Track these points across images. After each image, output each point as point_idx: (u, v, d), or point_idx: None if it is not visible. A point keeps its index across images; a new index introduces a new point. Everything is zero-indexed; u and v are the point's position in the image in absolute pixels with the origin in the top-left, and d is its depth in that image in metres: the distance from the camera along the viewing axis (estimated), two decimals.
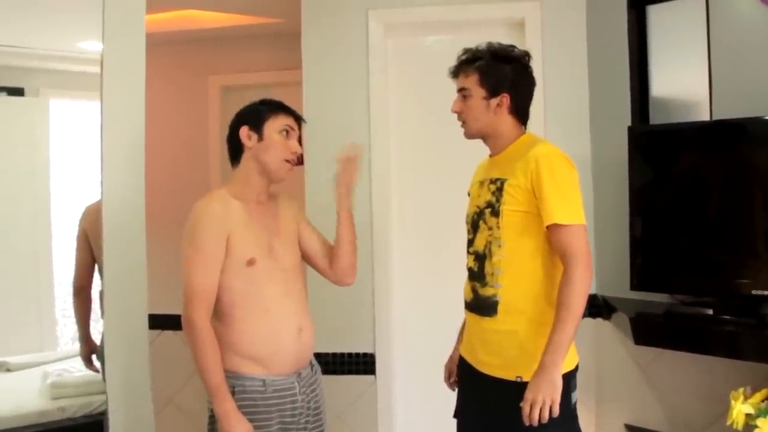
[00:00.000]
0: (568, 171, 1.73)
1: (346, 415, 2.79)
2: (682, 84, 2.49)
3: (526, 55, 1.86)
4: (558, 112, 2.67)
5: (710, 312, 2.16)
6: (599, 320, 2.63)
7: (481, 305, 1.81)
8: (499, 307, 1.77)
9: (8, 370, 2.36)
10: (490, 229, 1.79)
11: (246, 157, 1.87)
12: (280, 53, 3.39)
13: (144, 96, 2.21)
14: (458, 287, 1.97)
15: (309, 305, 1.95)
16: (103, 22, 2.14)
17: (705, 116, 2.34)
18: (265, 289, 1.79)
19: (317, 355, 2.03)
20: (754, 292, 2.07)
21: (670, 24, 2.50)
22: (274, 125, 1.86)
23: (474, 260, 1.85)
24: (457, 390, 1.99)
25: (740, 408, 1.85)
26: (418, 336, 2.82)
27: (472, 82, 1.83)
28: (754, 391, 1.89)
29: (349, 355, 2.78)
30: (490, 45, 1.85)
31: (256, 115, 1.88)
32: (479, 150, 1.98)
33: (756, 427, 1.81)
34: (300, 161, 2.01)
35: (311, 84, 2.82)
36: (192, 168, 3.59)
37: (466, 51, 1.87)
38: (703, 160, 2.29)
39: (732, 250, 2.19)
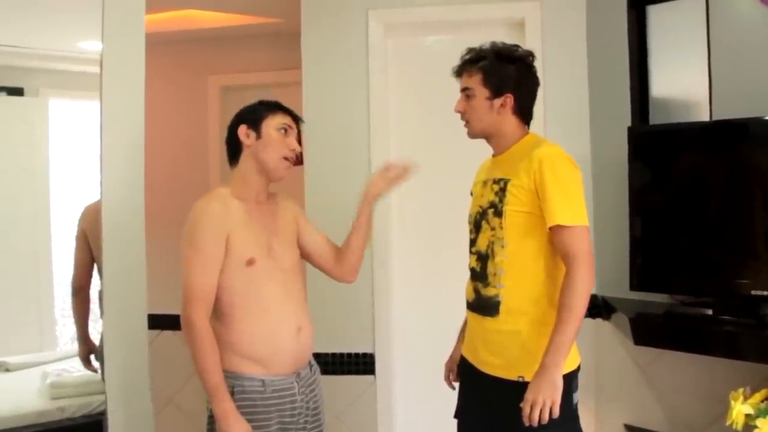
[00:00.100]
0: (572, 172, 1.73)
1: (345, 416, 2.79)
2: (682, 84, 2.48)
3: (529, 55, 1.85)
4: (558, 112, 2.67)
5: (710, 312, 2.16)
6: (599, 320, 2.63)
7: (483, 305, 1.81)
8: (501, 308, 1.76)
9: (7, 370, 2.36)
10: (492, 229, 1.79)
11: (245, 156, 1.87)
12: (279, 53, 3.39)
13: (143, 96, 2.21)
14: (458, 287, 1.97)
15: (309, 305, 1.95)
16: (103, 22, 2.14)
17: (705, 116, 2.34)
18: (264, 289, 1.79)
19: (317, 355, 2.03)
20: (753, 292, 2.07)
21: (670, 24, 2.49)
22: (272, 123, 1.86)
23: (476, 260, 1.85)
24: (457, 390, 1.99)
25: (740, 408, 1.85)
26: (418, 336, 2.82)
27: (475, 81, 1.82)
28: (754, 391, 1.89)
29: (349, 355, 2.78)
30: (493, 45, 1.84)
31: (254, 113, 1.88)
32: (479, 150, 1.98)
33: (755, 427, 1.81)
34: (299, 161, 2.01)
35: (311, 84, 2.82)
36: (191, 168, 3.59)
37: (470, 50, 1.86)
38: (703, 160, 2.28)
39: (731, 251, 2.19)
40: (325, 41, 2.82)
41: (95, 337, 2.37)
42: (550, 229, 1.70)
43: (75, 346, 2.43)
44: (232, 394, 1.72)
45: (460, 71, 1.87)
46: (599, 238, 2.54)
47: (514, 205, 1.75)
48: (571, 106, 2.68)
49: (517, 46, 1.87)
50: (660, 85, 2.54)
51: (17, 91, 2.39)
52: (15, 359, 2.37)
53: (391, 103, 2.83)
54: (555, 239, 1.71)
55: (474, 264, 1.86)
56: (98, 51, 2.15)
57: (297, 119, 1.93)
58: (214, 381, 1.69)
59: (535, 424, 1.58)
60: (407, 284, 2.85)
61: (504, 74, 1.80)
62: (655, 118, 2.53)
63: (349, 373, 2.78)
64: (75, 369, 2.39)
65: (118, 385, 2.14)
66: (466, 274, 1.91)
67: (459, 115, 1.89)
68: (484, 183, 1.88)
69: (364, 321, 2.78)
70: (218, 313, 1.77)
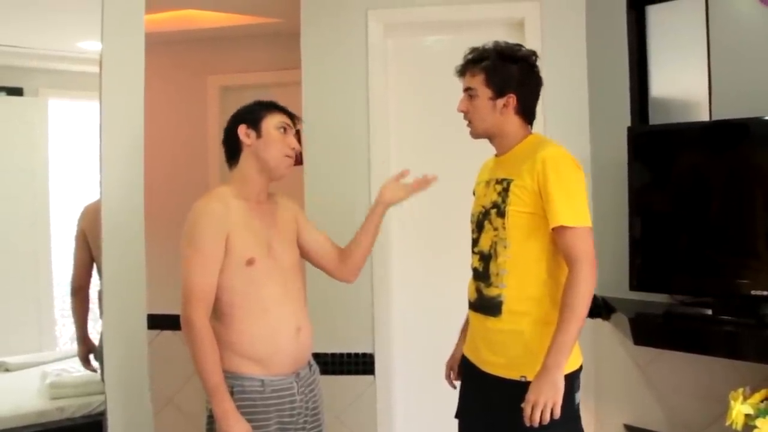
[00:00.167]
0: (575, 173, 1.73)
1: (345, 416, 2.79)
2: (682, 84, 2.49)
3: (533, 55, 1.84)
4: (557, 113, 2.67)
5: (709, 312, 2.16)
6: (598, 320, 2.63)
7: (485, 305, 1.81)
8: (504, 308, 1.76)
9: (7, 370, 2.35)
10: (495, 229, 1.79)
11: (245, 155, 1.87)
12: (279, 53, 3.39)
13: (143, 96, 2.21)
14: (457, 287, 1.97)
15: (309, 305, 1.95)
16: (102, 21, 2.14)
17: (704, 116, 2.34)
18: (264, 289, 1.79)
19: (316, 355, 2.03)
20: (753, 292, 2.07)
21: (670, 24, 2.49)
22: (272, 122, 1.87)
23: (479, 260, 1.85)
24: (457, 390, 1.99)
25: (739, 408, 1.85)
26: (418, 336, 2.82)
27: (478, 81, 1.82)
28: (754, 391, 1.89)
29: (349, 355, 2.78)
30: (496, 44, 1.84)
31: (252, 113, 1.89)
32: (479, 150, 1.98)
33: (755, 427, 1.81)
34: (299, 161, 2.01)
35: (310, 84, 2.82)
36: (191, 168, 3.59)
37: (473, 50, 1.85)
38: (702, 160, 2.29)
39: (731, 251, 2.19)
40: (324, 41, 2.82)
41: (95, 337, 2.36)
42: (553, 230, 1.70)
43: (74, 346, 2.42)
44: (232, 394, 1.72)
45: (462, 71, 1.87)
46: (599, 238, 2.52)
47: (517, 206, 1.74)
48: (570, 107, 2.68)
49: (520, 45, 1.86)
50: (660, 86, 2.54)
51: (17, 91, 2.39)
52: (14, 359, 2.37)
53: (391, 103, 2.83)
54: (558, 240, 1.71)
55: (476, 264, 1.86)
56: (98, 51, 2.14)
57: (293, 118, 1.93)
58: (214, 381, 1.69)
59: (536, 425, 1.58)
60: (407, 284, 2.85)
61: (507, 74, 1.80)
62: (655, 119, 2.53)
63: (349, 373, 2.77)
64: (74, 369, 2.39)
65: (118, 385, 2.14)
66: (466, 274, 1.91)
67: (459, 115, 1.88)
68: (487, 183, 1.87)
69: (363, 321, 2.78)
70: (218, 313, 1.77)
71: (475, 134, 1.88)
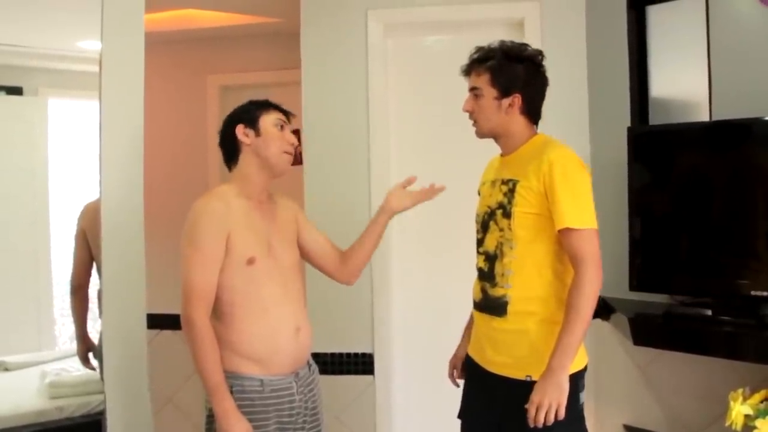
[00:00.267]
0: (581, 175, 1.73)
1: (344, 415, 2.79)
2: (682, 84, 2.48)
3: (539, 55, 1.84)
4: (557, 113, 2.65)
5: (709, 313, 2.16)
6: (598, 321, 2.62)
7: (490, 305, 1.81)
8: (509, 308, 1.76)
9: (6, 370, 2.35)
10: (501, 230, 1.78)
11: (245, 155, 1.87)
12: (279, 53, 3.39)
13: (143, 95, 2.21)
14: (457, 287, 1.96)
15: (309, 305, 1.95)
16: (102, 21, 2.14)
17: (704, 117, 2.34)
18: (264, 289, 1.79)
19: (316, 355, 2.03)
20: (753, 292, 2.07)
21: (670, 24, 2.49)
22: (269, 120, 1.87)
23: (484, 260, 1.85)
24: (459, 389, 1.98)
25: (739, 409, 1.85)
26: (417, 336, 2.82)
27: (483, 81, 1.81)
28: (753, 391, 1.89)
29: (348, 355, 2.78)
30: (502, 44, 1.83)
31: (248, 113, 1.89)
32: (479, 150, 1.97)
33: (755, 428, 1.81)
34: (299, 161, 2.01)
35: (310, 84, 2.82)
36: (191, 167, 3.59)
37: (479, 49, 1.85)
38: (702, 160, 2.28)
39: (731, 251, 2.19)
40: (324, 41, 2.82)
41: (94, 336, 2.36)
42: (559, 231, 1.70)
43: (74, 346, 2.42)
44: (231, 393, 1.72)
45: (468, 70, 1.86)
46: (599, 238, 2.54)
47: (523, 207, 1.74)
48: (570, 107, 2.68)
49: (526, 45, 1.85)
50: (660, 86, 2.54)
51: (16, 91, 2.39)
52: (14, 358, 2.37)
53: (391, 103, 2.83)
54: (564, 242, 1.70)
55: (482, 264, 1.86)
56: (97, 50, 2.14)
57: (288, 114, 1.93)
58: (215, 380, 1.69)
59: (540, 425, 1.58)
60: (407, 284, 2.85)
61: (512, 74, 1.79)
62: (655, 119, 2.53)
63: (349, 373, 2.78)
64: (74, 368, 2.38)
65: (117, 384, 2.14)
66: (466, 274, 1.91)
67: (459, 114, 1.88)
68: (493, 183, 1.87)
69: (363, 321, 2.78)
70: (218, 312, 1.77)
71: (481, 134, 1.87)
